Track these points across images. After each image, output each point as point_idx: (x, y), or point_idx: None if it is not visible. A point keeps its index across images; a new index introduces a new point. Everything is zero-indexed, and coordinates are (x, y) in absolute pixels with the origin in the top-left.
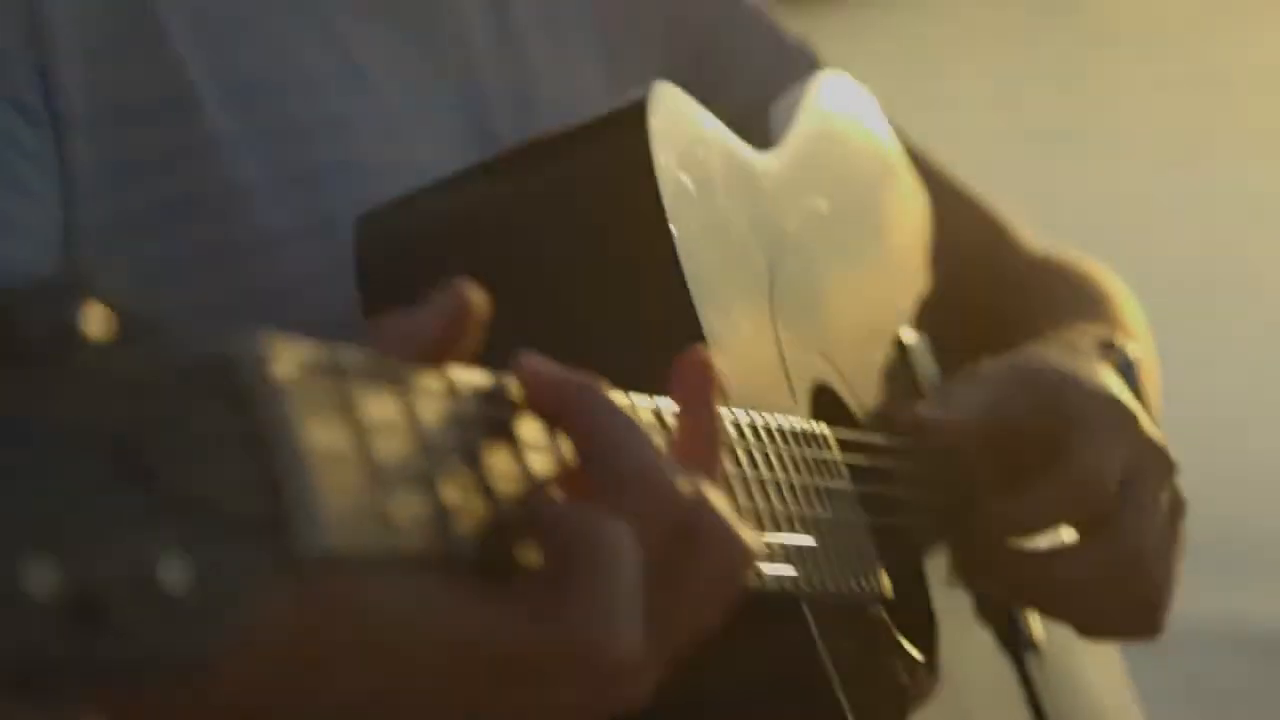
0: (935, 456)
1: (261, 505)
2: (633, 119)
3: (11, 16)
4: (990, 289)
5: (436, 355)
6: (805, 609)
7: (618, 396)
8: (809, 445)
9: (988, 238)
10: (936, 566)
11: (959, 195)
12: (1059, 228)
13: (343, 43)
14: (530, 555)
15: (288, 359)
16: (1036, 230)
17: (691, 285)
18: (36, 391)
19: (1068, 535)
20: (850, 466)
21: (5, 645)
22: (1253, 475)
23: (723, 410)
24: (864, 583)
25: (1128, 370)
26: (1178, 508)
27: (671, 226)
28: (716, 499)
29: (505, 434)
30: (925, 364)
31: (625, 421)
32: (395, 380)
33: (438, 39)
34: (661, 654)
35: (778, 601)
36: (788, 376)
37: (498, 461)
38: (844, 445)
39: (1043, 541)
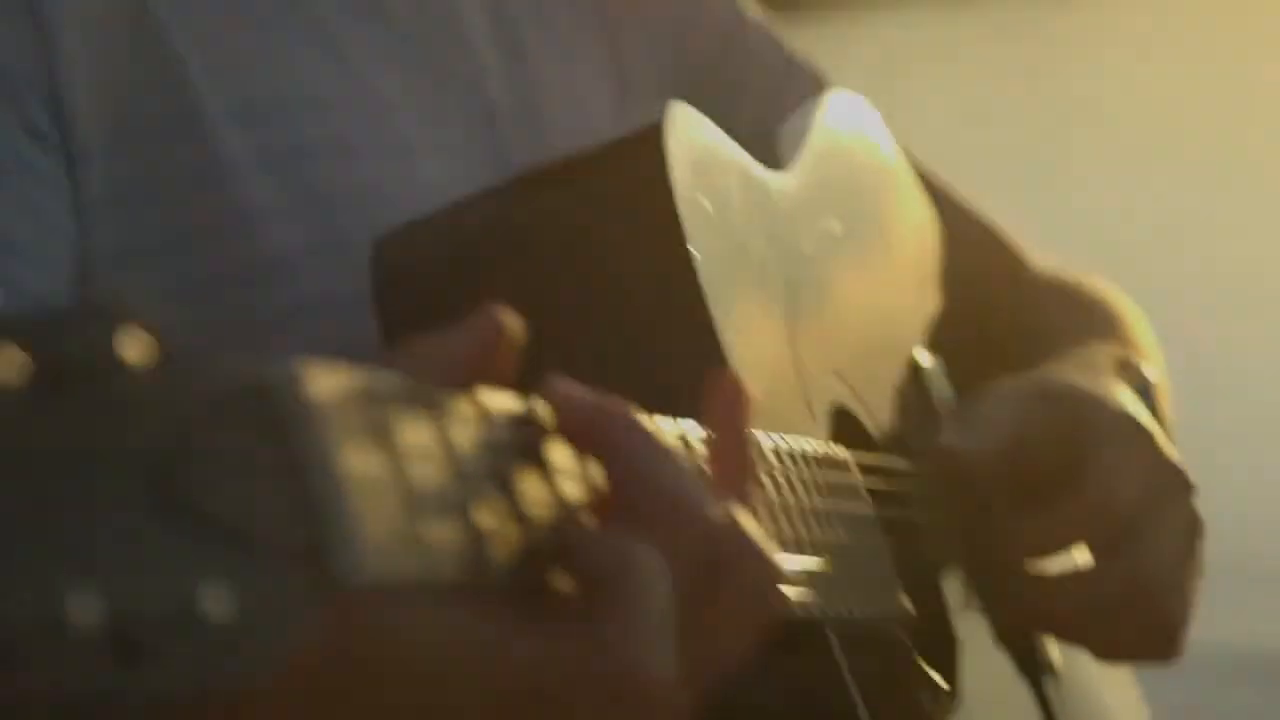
0: (951, 479)
1: (300, 532)
2: (650, 141)
3: (23, 40)
4: (1000, 309)
5: (469, 379)
6: (829, 633)
7: (648, 420)
8: (831, 469)
9: (997, 258)
10: (954, 591)
11: (967, 216)
12: (1031, 244)
13: (351, 62)
14: (563, 582)
15: (325, 384)
16: None
17: (713, 308)
18: (75, 419)
19: (1082, 559)
20: (870, 490)
21: (49, 679)
22: (1262, 496)
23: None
24: (887, 606)
25: (1145, 391)
26: (1196, 529)
27: (692, 250)
28: (748, 524)
29: (536, 459)
30: (940, 385)
31: (657, 446)
32: (430, 405)
33: (444, 55)
34: (693, 679)
35: (802, 626)
36: (807, 398)
37: (529, 487)
38: (863, 468)
39: (1058, 564)
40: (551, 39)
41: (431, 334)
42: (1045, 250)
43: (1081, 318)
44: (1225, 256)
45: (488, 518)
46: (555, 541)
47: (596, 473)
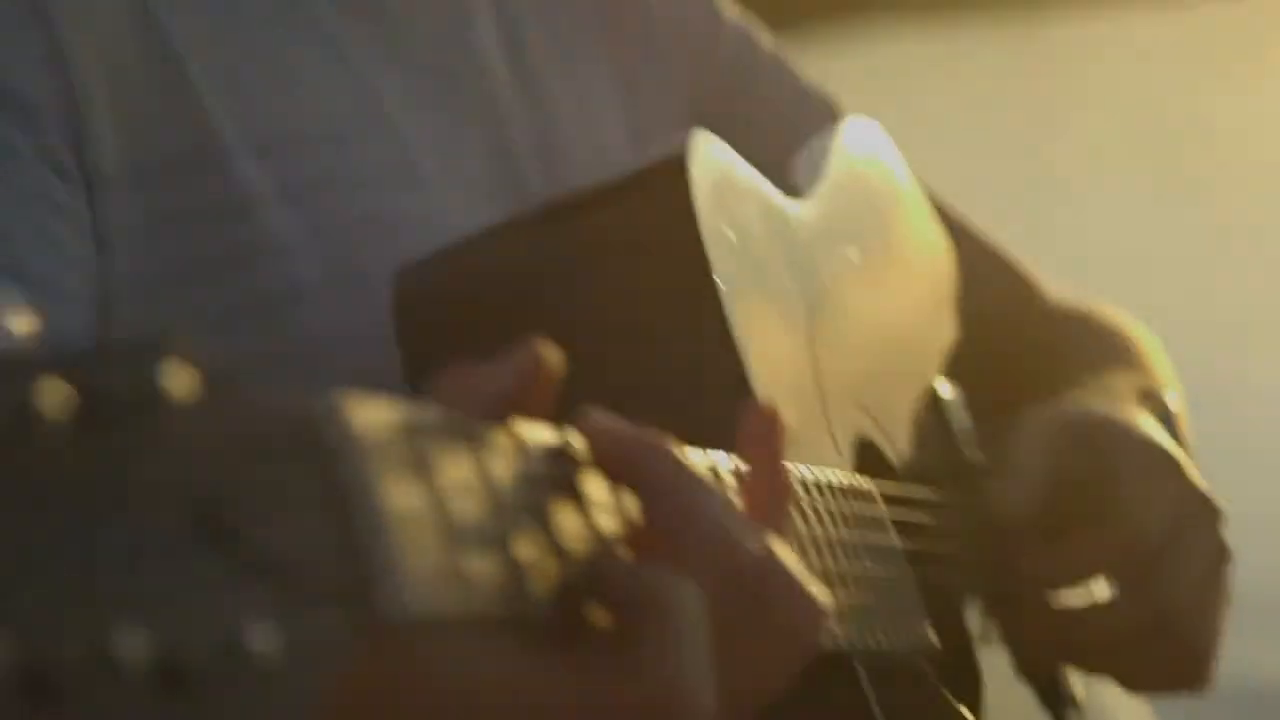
0: (974, 511)
1: (344, 568)
2: (674, 170)
3: (42, 70)
4: (1017, 338)
5: (508, 411)
6: (857, 665)
7: (683, 451)
8: (856, 500)
9: (1012, 287)
10: (974, 622)
11: (982, 245)
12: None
13: (369, 95)
14: (599, 616)
15: (367, 418)
16: None
17: (739, 339)
18: (120, 454)
19: (1106, 589)
20: (895, 521)
21: (96, 714)
22: (1256, 527)
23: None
24: (913, 638)
25: (1167, 419)
26: (1223, 557)
27: (717, 280)
28: (785, 555)
29: (571, 491)
30: (960, 416)
31: (693, 477)
32: (469, 437)
33: (462, 88)
34: (729, 712)
35: (830, 657)
36: (830, 429)
37: (565, 520)
38: (887, 499)
39: (1082, 595)
40: (567, 72)
41: (471, 365)
42: (1032, 264)
43: (1099, 346)
44: (1211, 273)
45: (526, 551)
46: (592, 575)
47: (631, 504)
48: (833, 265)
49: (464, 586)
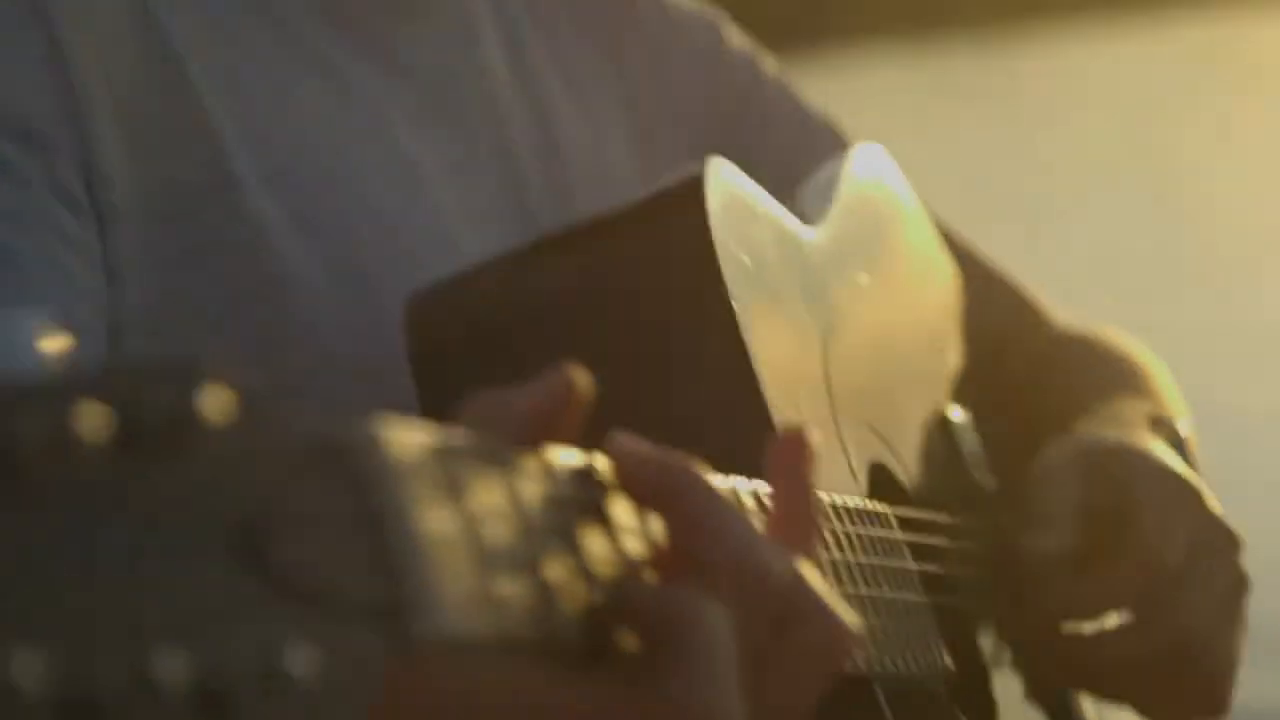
0: (987, 535)
1: (380, 591)
2: (690, 196)
3: (53, 100)
4: (1024, 364)
5: (537, 436)
6: (877, 689)
7: (709, 475)
8: (873, 524)
9: (1019, 313)
10: (987, 646)
11: (988, 271)
12: None
13: (380, 124)
14: (628, 640)
15: (402, 442)
16: None
17: (756, 364)
18: (158, 477)
19: (1123, 615)
20: (910, 545)
21: None
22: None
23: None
24: (930, 662)
25: (1179, 446)
26: (1241, 585)
27: (734, 304)
28: (814, 579)
29: (598, 515)
30: (969, 439)
31: (721, 501)
32: (499, 462)
33: (472, 117)
34: None
35: (850, 681)
36: (845, 453)
37: (593, 544)
38: (902, 523)
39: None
40: (575, 100)
41: (500, 389)
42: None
43: (1108, 372)
44: (1185, 295)
45: (555, 574)
46: (619, 599)
47: (657, 528)
48: (844, 290)
49: (496, 609)
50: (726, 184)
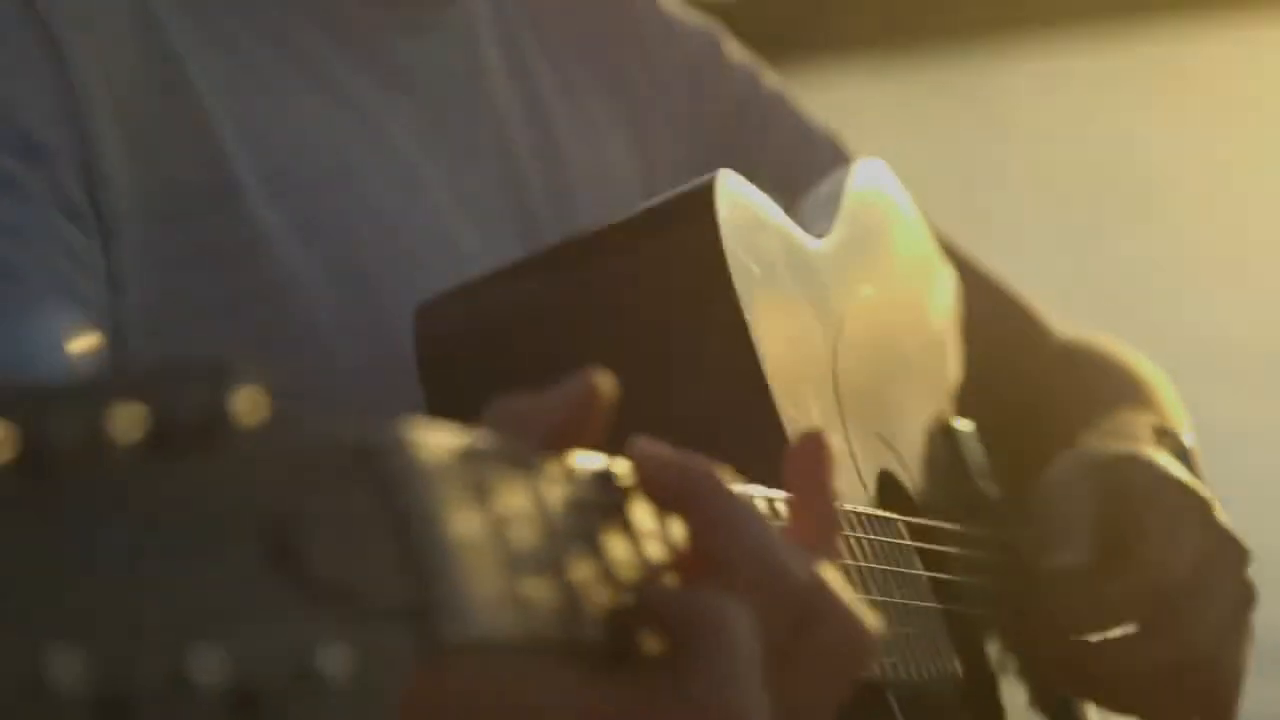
0: (993, 545)
1: (410, 591)
2: (699, 206)
3: (55, 108)
4: (1024, 375)
5: (561, 441)
6: (890, 697)
7: (732, 479)
8: (884, 532)
9: (1018, 324)
10: (993, 653)
11: (988, 283)
12: None
13: (381, 132)
14: (652, 642)
15: (430, 444)
16: None
17: (766, 373)
18: (191, 479)
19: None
20: (920, 552)
21: None
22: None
23: None
24: (941, 669)
25: (1184, 457)
26: (1248, 597)
27: (744, 313)
28: (836, 582)
29: (620, 519)
30: (974, 449)
31: (742, 504)
32: (524, 465)
33: (472, 125)
34: None
35: (864, 687)
36: (856, 463)
37: (615, 546)
38: (912, 531)
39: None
40: (576, 109)
41: (526, 395)
42: None
43: (1111, 385)
44: (1139, 306)
45: (579, 578)
46: (642, 602)
47: (678, 531)
48: (850, 300)
49: (523, 610)
50: (735, 194)
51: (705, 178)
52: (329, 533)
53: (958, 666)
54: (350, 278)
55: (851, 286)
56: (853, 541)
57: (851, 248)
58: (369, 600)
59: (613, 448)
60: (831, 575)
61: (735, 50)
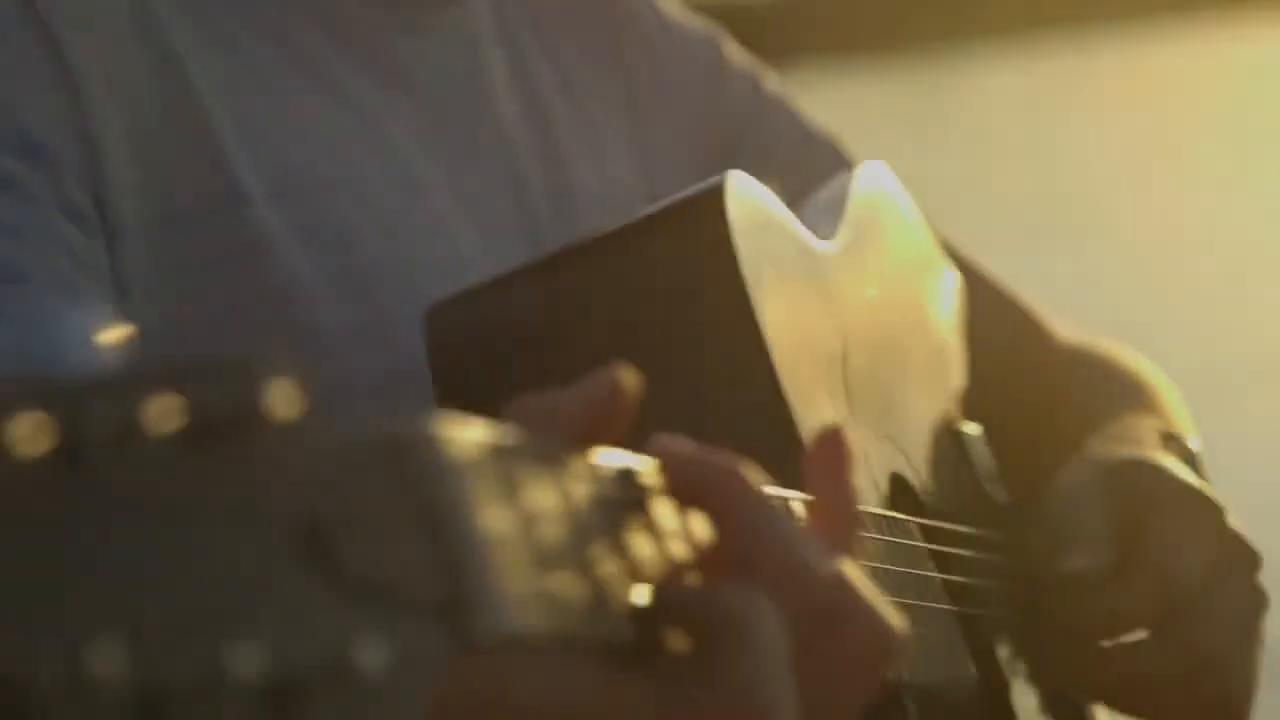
0: (1002, 548)
1: (442, 586)
2: (710, 206)
3: (60, 113)
4: (1029, 379)
5: (585, 437)
6: (907, 700)
7: (755, 475)
8: (897, 534)
9: (1023, 328)
10: (1004, 656)
11: (992, 287)
12: None
13: (384, 137)
14: (678, 639)
15: (462, 440)
16: None
17: (780, 373)
18: (225, 472)
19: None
20: (932, 554)
21: None
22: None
23: None
24: (956, 672)
25: (1191, 462)
26: (1260, 603)
27: (757, 314)
28: (859, 579)
29: (643, 515)
30: (982, 452)
31: (765, 501)
32: (551, 461)
33: (474, 129)
34: None
35: (881, 692)
36: (867, 464)
37: (638, 543)
38: (925, 533)
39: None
40: (576, 109)
41: (550, 392)
42: None
43: (1116, 389)
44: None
45: (605, 575)
46: (667, 599)
47: (700, 528)
48: (859, 303)
49: (552, 607)
50: (745, 194)
51: (715, 178)
52: (361, 528)
53: (972, 669)
54: (351, 278)
55: (859, 289)
56: (868, 542)
57: (858, 250)
58: (402, 595)
59: (629, 447)
60: (855, 573)
61: (735, 53)
